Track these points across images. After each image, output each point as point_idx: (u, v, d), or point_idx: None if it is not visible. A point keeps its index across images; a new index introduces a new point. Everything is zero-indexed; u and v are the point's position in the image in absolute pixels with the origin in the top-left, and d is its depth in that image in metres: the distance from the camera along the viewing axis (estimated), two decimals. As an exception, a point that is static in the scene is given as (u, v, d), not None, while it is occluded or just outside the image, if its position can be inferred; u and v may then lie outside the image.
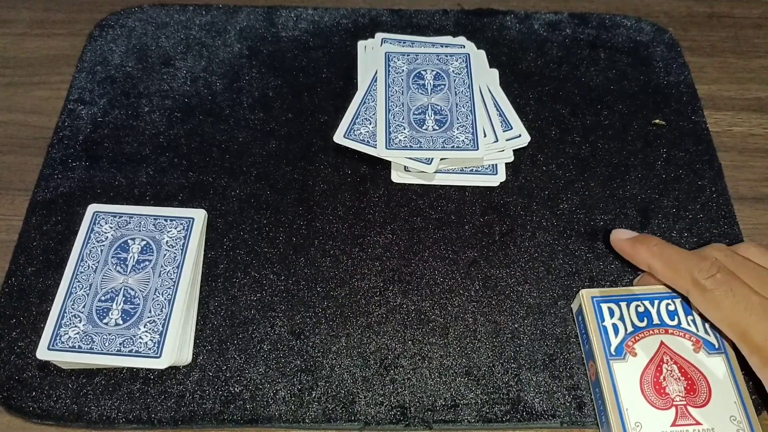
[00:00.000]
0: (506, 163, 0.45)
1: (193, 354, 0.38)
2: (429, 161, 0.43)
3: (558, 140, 0.47)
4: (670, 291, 0.38)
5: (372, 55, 0.49)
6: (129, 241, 0.39)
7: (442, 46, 0.50)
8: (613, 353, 0.36)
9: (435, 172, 0.44)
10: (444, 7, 0.55)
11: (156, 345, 0.35)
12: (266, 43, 0.52)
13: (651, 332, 0.37)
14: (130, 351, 0.35)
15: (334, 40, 0.52)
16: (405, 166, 0.44)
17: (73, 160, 0.45)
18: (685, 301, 0.37)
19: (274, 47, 0.52)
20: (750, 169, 0.47)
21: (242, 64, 0.51)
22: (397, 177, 0.45)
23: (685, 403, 0.34)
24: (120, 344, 0.36)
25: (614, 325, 0.37)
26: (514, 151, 0.46)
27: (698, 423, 0.34)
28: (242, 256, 0.42)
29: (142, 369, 0.37)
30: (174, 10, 0.54)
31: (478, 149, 0.43)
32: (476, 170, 0.45)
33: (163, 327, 0.36)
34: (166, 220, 0.40)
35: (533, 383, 0.38)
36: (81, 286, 0.38)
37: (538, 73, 0.51)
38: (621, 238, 0.40)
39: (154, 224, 0.40)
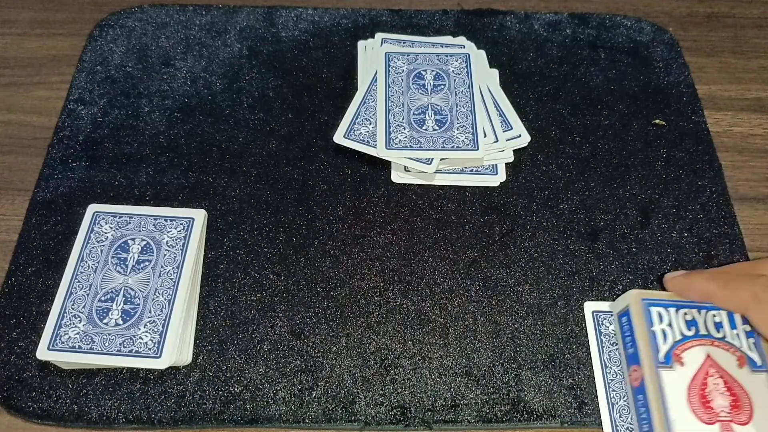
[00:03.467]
0: (506, 163, 0.45)
1: (193, 354, 0.38)
2: (429, 161, 0.43)
3: (558, 140, 0.47)
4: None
5: (372, 55, 0.49)
6: (129, 241, 0.39)
7: (442, 46, 0.50)
8: (662, 360, 0.35)
9: (435, 172, 0.44)
10: (444, 7, 0.55)
11: (156, 345, 0.35)
12: (266, 43, 0.52)
13: (698, 342, 0.36)
14: (130, 351, 0.35)
15: (334, 40, 0.52)
16: (405, 166, 0.44)
17: (73, 160, 0.45)
18: (744, 319, 0.36)
19: (274, 47, 0.52)
20: (750, 169, 0.47)
21: (242, 64, 0.51)
22: (397, 177, 0.45)
23: (730, 419, 0.33)
24: (120, 344, 0.35)
25: (663, 331, 0.36)
26: (514, 151, 0.45)
27: None
28: (242, 256, 0.42)
29: (142, 369, 0.37)
30: (174, 10, 0.54)
31: (478, 149, 0.43)
32: (476, 170, 0.45)
33: (163, 327, 0.36)
34: (166, 221, 0.40)
35: (533, 383, 0.38)
36: (81, 286, 0.38)
37: (538, 73, 0.51)
38: (675, 275, 0.39)
39: (154, 224, 0.40)
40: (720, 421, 0.33)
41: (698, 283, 0.37)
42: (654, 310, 0.36)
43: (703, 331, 0.36)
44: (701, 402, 0.34)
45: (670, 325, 0.36)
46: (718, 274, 0.37)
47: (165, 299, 0.37)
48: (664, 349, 0.35)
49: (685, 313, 0.36)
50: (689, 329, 0.36)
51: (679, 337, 0.36)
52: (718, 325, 0.36)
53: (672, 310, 0.37)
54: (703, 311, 0.37)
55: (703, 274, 0.37)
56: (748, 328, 0.36)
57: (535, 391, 0.37)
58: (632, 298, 0.37)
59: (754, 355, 0.36)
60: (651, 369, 0.34)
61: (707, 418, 0.34)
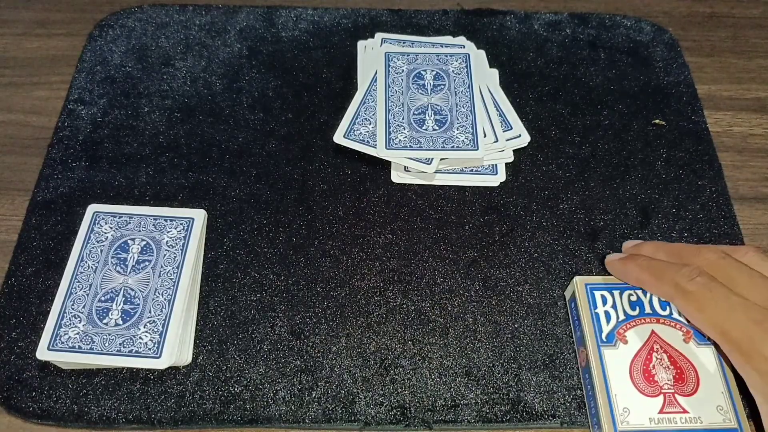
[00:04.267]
0: (506, 163, 0.45)
1: (193, 354, 0.38)
2: (429, 161, 0.43)
3: (558, 140, 0.47)
4: None
5: (372, 55, 0.49)
6: (129, 241, 0.39)
7: (442, 46, 0.50)
8: (604, 340, 0.36)
9: (435, 172, 0.44)
10: (444, 7, 0.55)
11: (156, 345, 0.35)
12: (266, 43, 0.52)
13: (643, 321, 0.37)
14: (130, 351, 0.35)
15: (334, 40, 0.52)
16: (405, 166, 0.44)
17: (73, 160, 0.45)
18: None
19: (274, 47, 0.52)
20: (750, 169, 0.47)
21: (242, 64, 0.51)
22: (397, 177, 0.45)
23: (673, 391, 0.35)
24: (120, 344, 0.35)
25: (606, 313, 0.37)
26: (514, 151, 0.46)
27: (685, 411, 0.34)
28: (242, 256, 0.42)
29: (142, 369, 0.37)
30: (174, 11, 0.54)
31: (478, 149, 0.43)
32: (476, 170, 0.45)
33: (163, 327, 0.36)
34: (166, 221, 0.40)
35: (533, 383, 0.38)
36: (81, 286, 0.38)
37: (538, 73, 0.51)
38: (613, 259, 0.40)
39: (154, 224, 0.40)
40: (663, 393, 0.35)
41: (632, 271, 0.38)
42: (598, 293, 0.38)
43: (648, 311, 0.37)
44: (644, 376, 0.35)
45: (614, 306, 0.38)
46: (650, 262, 0.37)
47: (165, 299, 0.37)
48: (607, 329, 0.37)
49: (630, 295, 0.38)
50: (633, 309, 0.37)
51: (622, 317, 0.37)
52: (664, 304, 0.38)
53: (616, 292, 0.38)
54: (648, 292, 0.38)
55: (637, 261, 0.38)
56: None
57: (535, 391, 0.37)
58: (576, 284, 0.38)
59: None
60: (594, 348, 0.36)
61: (650, 390, 0.35)
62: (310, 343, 0.39)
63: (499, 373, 0.38)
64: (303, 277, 0.41)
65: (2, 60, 0.52)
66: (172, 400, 0.37)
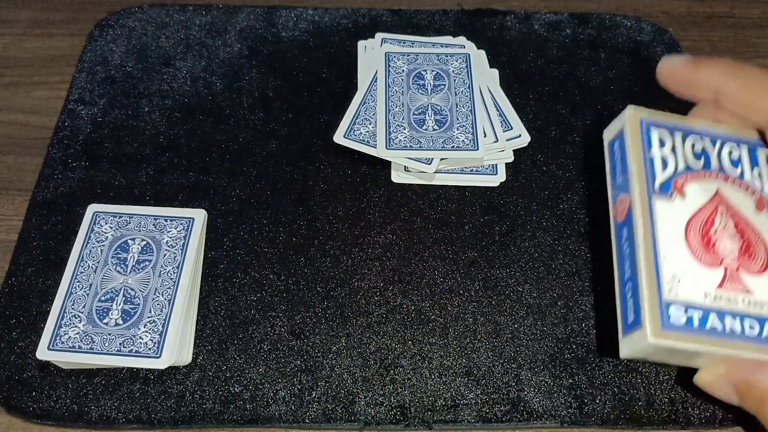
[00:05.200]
0: (506, 163, 0.45)
1: (193, 354, 0.38)
2: (429, 161, 0.43)
3: (558, 140, 0.47)
4: (735, 133, 0.30)
5: (372, 55, 0.49)
6: (129, 241, 0.39)
7: (442, 46, 0.50)
8: (657, 189, 0.28)
9: (435, 172, 0.44)
10: (444, 7, 0.55)
11: (156, 345, 0.35)
12: (266, 43, 0.52)
13: (708, 175, 0.29)
14: (130, 351, 0.35)
15: (334, 40, 0.52)
16: (405, 166, 0.44)
17: (73, 160, 0.45)
18: (761, 137, 0.30)
19: (274, 47, 0.52)
20: (750, 169, 0.47)
21: (242, 64, 0.51)
22: (397, 177, 0.45)
23: (737, 265, 0.27)
24: (120, 344, 0.36)
25: (663, 158, 0.29)
26: (514, 151, 0.46)
27: (749, 291, 0.27)
28: (242, 256, 0.42)
29: (142, 369, 0.37)
30: (174, 10, 0.54)
31: (478, 149, 0.43)
32: (476, 170, 0.45)
33: (163, 327, 0.36)
34: (166, 220, 0.40)
35: (533, 383, 0.38)
36: (81, 286, 0.38)
37: (538, 73, 0.51)
38: (675, 64, 0.30)
39: (154, 224, 0.40)
40: (726, 267, 0.27)
41: (709, 76, 0.29)
42: (655, 132, 0.30)
43: (715, 165, 0.29)
44: (702, 242, 0.28)
45: (673, 151, 0.29)
46: (740, 67, 0.28)
47: (165, 299, 0.37)
48: (662, 176, 0.29)
49: (694, 144, 0.30)
50: (698, 159, 0.29)
51: (683, 167, 0.29)
52: (735, 162, 0.30)
53: (678, 135, 0.30)
54: (718, 142, 0.30)
55: (718, 64, 0.29)
56: None
57: (535, 391, 0.37)
58: (628, 116, 0.30)
59: None
60: (643, 196, 0.28)
61: (709, 259, 0.27)
62: (310, 343, 0.39)
63: (499, 373, 0.38)
64: (303, 277, 0.41)
65: (2, 60, 0.52)
66: (172, 400, 0.37)
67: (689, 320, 0.26)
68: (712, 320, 0.26)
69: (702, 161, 0.29)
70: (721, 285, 0.27)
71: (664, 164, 0.29)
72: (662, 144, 0.29)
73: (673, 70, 0.30)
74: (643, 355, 0.27)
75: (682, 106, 0.32)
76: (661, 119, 0.30)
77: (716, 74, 0.29)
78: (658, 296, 0.26)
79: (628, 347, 0.27)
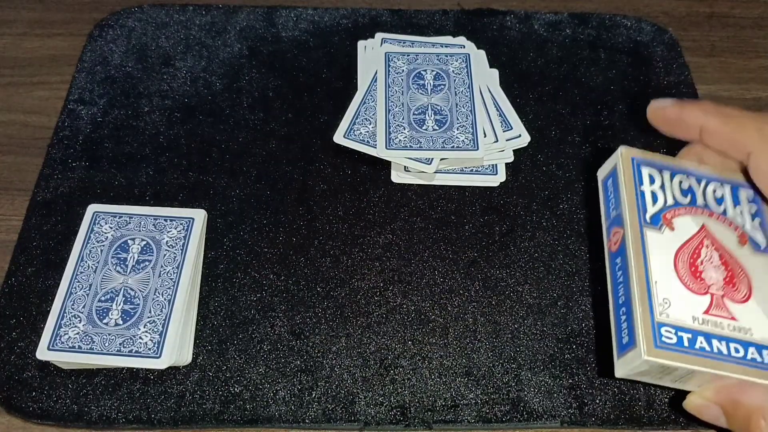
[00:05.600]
0: (506, 163, 0.45)
1: (193, 354, 0.38)
2: (429, 161, 0.43)
3: (558, 140, 0.47)
4: (719, 174, 0.33)
5: (372, 55, 0.49)
6: (129, 241, 0.39)
7: (442, 46, 0.50)
8: (648, 221, 0.30)
9: (435, 172, 0.44)
10: (444, 7, 0.55)
11: (156, 345, 0.35)
12: (266, 43, 0.52)
13: (695, 211, 0.31)
14: (130, 351, 0.35)
15: (334, 40, 0.52)
16: (405, 166, 0.44)
17: (73, 160, 0.45)
18: (743, 171, 0.32)
19: (274, 47, 0.52)
20: (750, 169, 0.47)
21: (242, 64, 0.51)
22: (397, 177, 0.45)
23: (722, 293, 0.29)
24: (120, 344, 0.35)
25: (653, 193, 0.31)
26: (514, 151, 0.46)
27: (734, 318, 0.29)
28: (242, 256, 0.42)
29: (142, 369, 0.37)
30: (174, 10, 0.54)
31: (478, 149, 0.43)
32: (476, 170, 0.45)
33: (163, 327, 0.36)
34: (166, 220, 0.40)
35: (533, 383, 0.38)
36: (81, 286, 0.38)
37: (538, 73, 0.51)
38: (663, 105, 0.32)
39: (154, 224, 0.40)
40: (711, 294, 0.29)
41: (693, 116, 0.31)
42: (645, 170, 0.32)
43: (700, 202, 0.31)
44: (691, 271, 0.29)
45: (662, 188, 0.32)
46: (719, 107, 0.31)
47: (165, 299, 0.37)
48: (652, 210, 0.31)
49: (681, 182, 0.32)
50: (684, 197, 0.31)
51: (671, 202, 0.31)
52: (719, 200, 0.32)
53: (666, 173, 0.32)
54: (703, 181, 0.32)
55: (701, 105, 0.31)
56: (754, 207, 0.32)
57: (535, 391, 0.37)
58: (621, 156, 0.32)
59: (759, 236, 0.31)
60: (635, 227, 0.30)
61: (696, 287, 0.29)
62: (310, 343, 0.39)
63: (499, 373, 0.38)
64: (303, 277, 0.41)
65: (2, 60, 0.52)
66: (172, 400, 0.37)
67: (680, 340, 0.28)
68: (701, 342, 0.28)
69: (689, 197, 0.32)
70: (707, 311, 0.29)
71: (654, 199, 0.31)
72: (652, 180, 0.32)
73: (662, 111, 0.33)
74: (638, 374, 0.28)
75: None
76: (651, 158, 0.32)
77: (700, 113, 0.31)
78: (651, 318, 0.28)
79: (623, 367, 0.29)
